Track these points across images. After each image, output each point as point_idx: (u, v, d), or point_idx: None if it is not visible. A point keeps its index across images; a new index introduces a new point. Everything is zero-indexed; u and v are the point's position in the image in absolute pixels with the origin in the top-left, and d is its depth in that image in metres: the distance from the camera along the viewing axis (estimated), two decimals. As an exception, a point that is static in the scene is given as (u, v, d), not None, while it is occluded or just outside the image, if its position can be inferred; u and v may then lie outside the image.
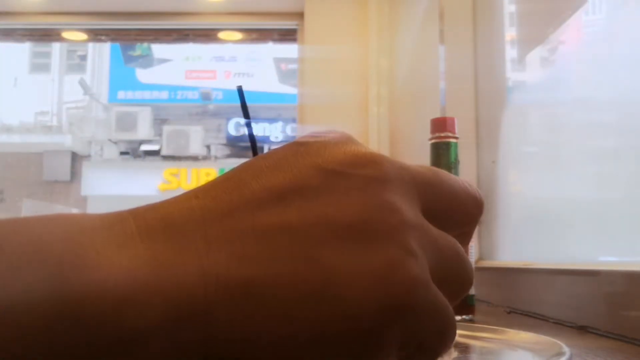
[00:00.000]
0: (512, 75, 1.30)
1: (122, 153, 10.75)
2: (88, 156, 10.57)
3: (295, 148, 0.22)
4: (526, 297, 0.91)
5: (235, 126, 10.87)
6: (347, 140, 0.23)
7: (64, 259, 0.17)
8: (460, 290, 0.23)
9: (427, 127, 0.78)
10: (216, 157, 10.51)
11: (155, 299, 0.18)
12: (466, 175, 1.22)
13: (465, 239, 0.25)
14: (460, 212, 0.24)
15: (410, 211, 0.21)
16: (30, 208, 6.52)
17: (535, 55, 1.18)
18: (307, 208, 0.20)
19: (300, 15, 2.47)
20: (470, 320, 0.74)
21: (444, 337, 0.22)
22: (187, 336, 0.18)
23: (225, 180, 0.21)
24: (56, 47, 10.85)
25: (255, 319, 0.19)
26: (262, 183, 0.21)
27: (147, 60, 11.37)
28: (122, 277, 0.18)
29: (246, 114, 0.34)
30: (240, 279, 0.19)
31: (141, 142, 10.75)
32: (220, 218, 0.20)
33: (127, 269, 0.18)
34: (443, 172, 0.24)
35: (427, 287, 0.21)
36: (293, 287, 0.19)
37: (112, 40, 3.34)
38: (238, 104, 0.34)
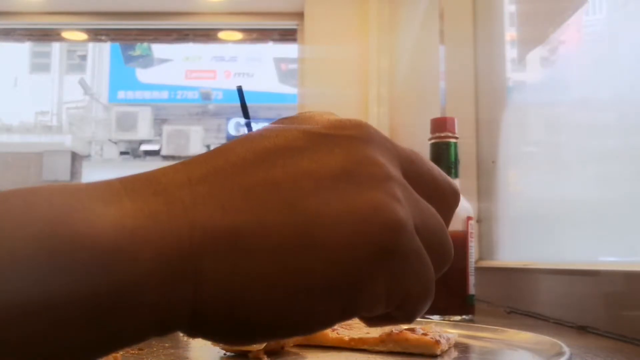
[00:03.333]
0: (512, 75, 1.30)
1: (122, 153, 10.76)
2: (88, 156, 10.58)
3: (282, 120, 0.23)
4: (526, 297, 0.91)
5: (235, 126, 10.88)
6: (333, 113, 0.24)
7: (52, 217, 0.18)
8: (440, 261, 0.23)
9: (427, 127, 0.78)
10: (216, 157, 10.51)
11: (143, 249, 0.18)
12: (466, 175, 1.22)
13: None
14: (438, 195, 0.24)
15: (393, 169, 0.22)
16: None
17: (535, 55, 1.18)
18: (292, 164, 0.21)
19: (300, 15, 2.47)
20: (470, 320, 0.74)
21: (424, 296, 0.22)
22: (174, 288, 0.18)
23: (213, 151, 0.22)
24: (56, 47, 10.86)
25: (242, 268, 0.19)
26: (248, 147, 0.21)
27: (147, 60, 11.38)
28: (110, 229, 0.18)
29: (246, 114, 0.34)
30: (226, 229, 0.19)
31: (141, 142, 10.76)
32: (205, 176, 0.20)
33: (114, 221, 0.18)
34: (424, 156, 0.25)
35: (412, 234, 0.21)
36: (278, 236, 0.19)
37: (112, 40, 3.34)
38: (238, 104, 0.34)
